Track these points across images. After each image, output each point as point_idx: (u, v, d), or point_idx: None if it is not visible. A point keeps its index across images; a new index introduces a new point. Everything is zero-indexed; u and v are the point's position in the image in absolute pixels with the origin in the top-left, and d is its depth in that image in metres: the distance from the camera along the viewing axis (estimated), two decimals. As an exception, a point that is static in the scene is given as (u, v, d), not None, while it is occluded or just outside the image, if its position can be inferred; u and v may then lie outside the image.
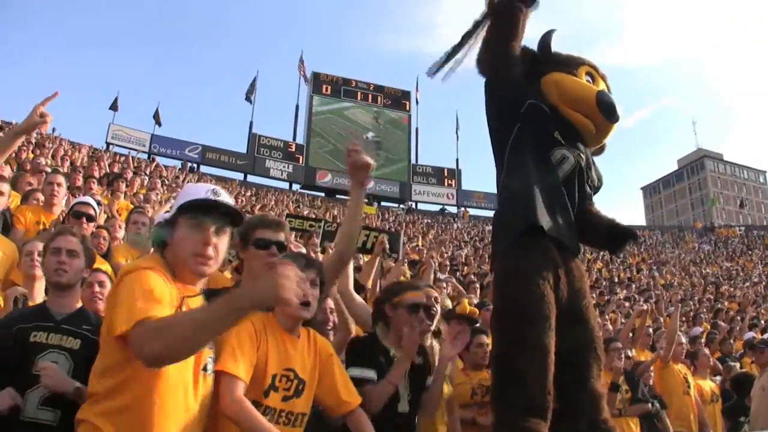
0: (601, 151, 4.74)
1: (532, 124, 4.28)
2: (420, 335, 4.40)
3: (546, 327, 3.75)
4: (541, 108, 4.32)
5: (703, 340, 12.05)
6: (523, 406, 3.64)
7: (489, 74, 4.56)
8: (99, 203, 8.38)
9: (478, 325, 6.22)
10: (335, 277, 4.30)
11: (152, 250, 3.20)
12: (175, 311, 2.69)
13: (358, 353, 4.28)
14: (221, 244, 3.00)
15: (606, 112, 4.31)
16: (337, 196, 54.55)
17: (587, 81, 4.48)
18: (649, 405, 7.57)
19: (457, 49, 4.87)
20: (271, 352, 3.30)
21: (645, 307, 11.14)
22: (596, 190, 4.63)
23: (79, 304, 3.93)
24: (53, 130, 26.46)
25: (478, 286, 12.03)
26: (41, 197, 7.71)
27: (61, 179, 7.39)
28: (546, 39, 4.60)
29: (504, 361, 3.83)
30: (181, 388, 2.76)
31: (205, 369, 2.93)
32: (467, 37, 4.81)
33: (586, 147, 4.50)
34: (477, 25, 4.75)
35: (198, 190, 3.08)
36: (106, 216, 8.92)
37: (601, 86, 4.52)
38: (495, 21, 4.56)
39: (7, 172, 8.93)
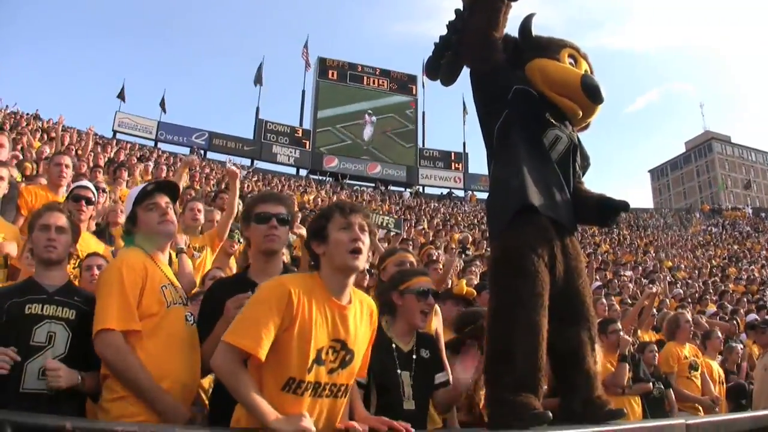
0: (586, 127, 4.75)
1: (520, 109, 4.32)
2: (424, 316, 4.38)
3: (538, 305, 3.81)
4: (529, 92, 4.35)
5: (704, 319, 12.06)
6: (514, 383, 3.70)
7: (472, 64, 4.61)
8: (103, 190, 8.39)
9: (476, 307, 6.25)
10: None
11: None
12: (148, 279, 3.64)
13: None
14: (173, 210, 4.00)
15: (591, 95, 4.33)
16: (344, 181, 54.58)
17: (570, 63, 4.51)
18: (650, 384, 7.59)
19: (445, 43, 4.90)
20: (317, 323, 3.10)
21: (654, 290, 11.16)
22: (584, 169, 4.65)
23: (67, 278, 3.99)
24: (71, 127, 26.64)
25: (475, 268, 12.00)
26: (43, 181, 7.73)
27: (68, 161, 7.31)
28: (526, 24, 4.59)
29: (496, 339, 3.87)
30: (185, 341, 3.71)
31: (187, 320, 3.79)
32: (452, 29, 4.84)
33: (572, 127, 4.52)
34: (460, 17, 4.78)
35: (138, 187, 4.16)
36: (111, 202, 8.95)
37: (584, 67, 4.56)
38: (475, 12, 4.57)
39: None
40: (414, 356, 4.30)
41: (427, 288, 4.40)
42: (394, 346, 4.24)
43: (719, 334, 9.92)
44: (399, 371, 4.15)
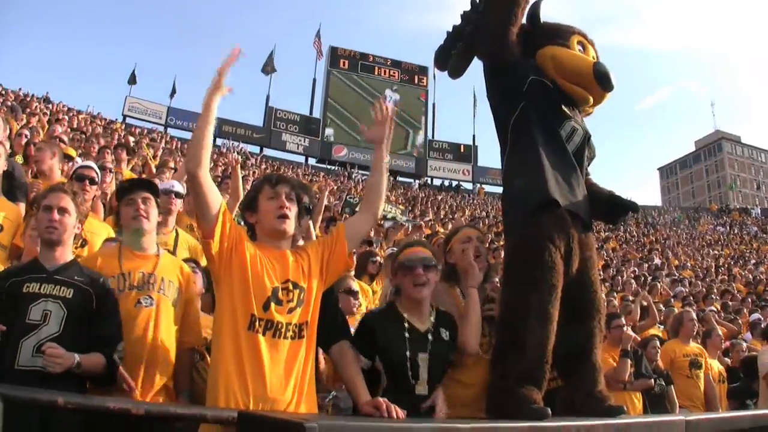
0: (589, 113, 4.73)
1: (536, 101, 4.30)
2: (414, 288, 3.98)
3: (552, 297, 3.84)
4: (544, 83, 4.33)
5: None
6: (519, 373, 3.73)
7: (491, 60, 4.57)
8: (110, 170, 8.41)
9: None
10: (365, 228, 4.13)
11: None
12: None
13: (358, 337, 3.97)
14: (151, 209, 4.36)
15: (603, 83, 4.32)
16: (354, 171, 54.58)
17: (579, 50, 4.49)
18: (652, 381, 7.55)
19: (458, 33, 4.85)
20: (266, 268, 3.50)
21: (640, 297, 11.22)
22: (590, 161, 4.64)
23: (71, 257, 4.00)
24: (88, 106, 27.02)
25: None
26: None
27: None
28: (534, 10, 4.59)
29: (508, 326, 3.90)
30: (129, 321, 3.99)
31: (139, 303, 4.08)
32: (466, 20, 4.79)
33: (580, 116, 4.51)
34: (475, 8, 4.73)
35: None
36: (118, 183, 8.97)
37: (591, 54, 4.55)
38: (494, 6, 4.52)
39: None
40: (430, 337, 3.94)
41: (413, 259, 4.02)
42: (406, 324, 3.94)
43: (719, 332, 9.88)
44: (408, 352, 3.84)
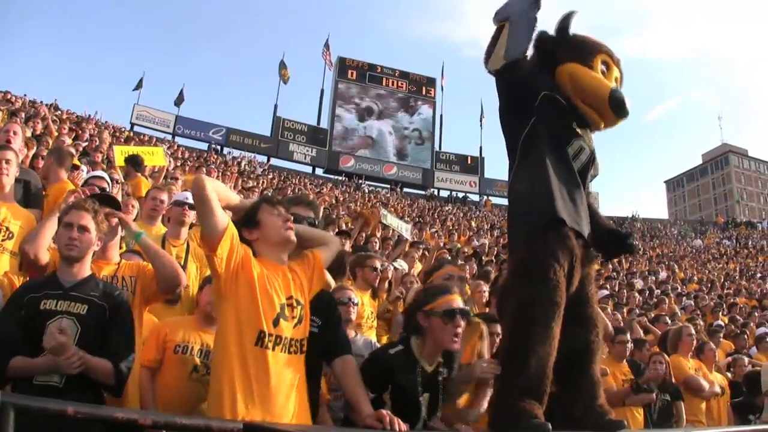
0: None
1: (548, 116, 4.26)
2: (453, 340, 4.05)
3: (556, 314, 3.83)
4: (556, 99, 4.28)
5: (721, 334, 12.05)
6: (521, 388, 3.73)
7: (498, 75, 4.52)
8: (117, 181, 8.47)
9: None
10: (331, 255, 4.20)
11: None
12: None
13: (370, 373, 4.00)
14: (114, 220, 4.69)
15: (617, 110, 4.27)
16: (361, 182, 54.54)
17: (602, 70, 4.40)
18: (653, 395, 7.52)
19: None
20: (273, 285, 3.60)
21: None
22: (593, 178, 4.63)
23: (88, 273, 4.10)
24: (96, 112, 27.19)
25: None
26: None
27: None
28: (565, 22, 4.48)
29: (511, 342, 3.92)
30: None
31: None
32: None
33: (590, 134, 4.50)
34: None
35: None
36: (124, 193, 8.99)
37: (615, 74, 4.47)
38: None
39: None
40: (437, 377, 4.13)
41: (453, 308, 4.06)
42: (419, 369, 4.06)
43: (712, 346, 9.83)
44: (420, 397, 4.01)
